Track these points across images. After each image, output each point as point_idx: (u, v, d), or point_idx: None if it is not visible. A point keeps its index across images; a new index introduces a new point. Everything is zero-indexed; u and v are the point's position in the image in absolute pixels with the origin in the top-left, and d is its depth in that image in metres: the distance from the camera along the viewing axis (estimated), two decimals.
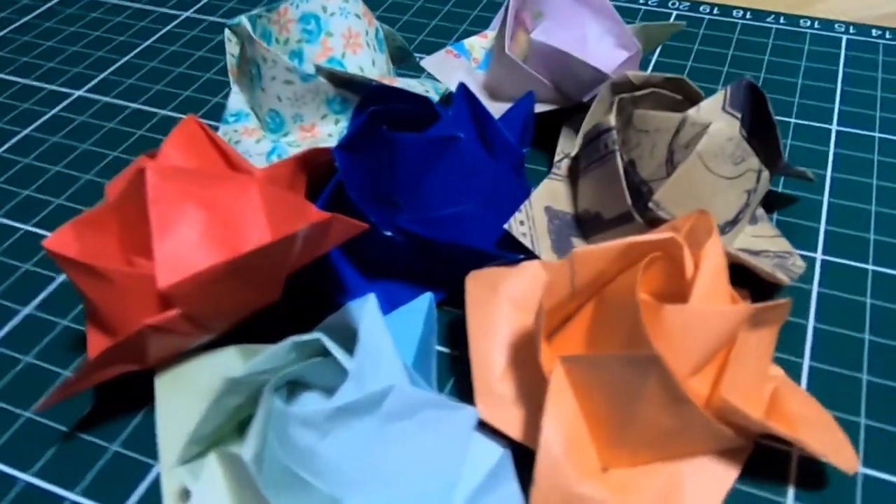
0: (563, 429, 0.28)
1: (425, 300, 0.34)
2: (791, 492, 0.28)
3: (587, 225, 0.36)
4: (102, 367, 0.30)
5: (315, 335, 0.29)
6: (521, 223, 0.35)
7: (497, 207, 0.35)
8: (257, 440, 0.26)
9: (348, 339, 0.30)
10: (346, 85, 0.39)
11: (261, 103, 0.40)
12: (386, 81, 0.38)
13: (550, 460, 0.27)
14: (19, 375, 0.33)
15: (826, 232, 0.38)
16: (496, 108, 0.42)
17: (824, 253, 0.37)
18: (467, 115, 0.35)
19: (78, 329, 0.35)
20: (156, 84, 0.49)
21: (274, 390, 0.28)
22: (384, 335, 0.29)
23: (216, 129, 0.43)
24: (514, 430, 0.30)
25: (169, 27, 0.55)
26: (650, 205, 0.33)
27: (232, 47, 0.43)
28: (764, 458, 0.29)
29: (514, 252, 0.34)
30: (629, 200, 0.33)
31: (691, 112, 0.33)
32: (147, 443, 0.31)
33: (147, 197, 0.29)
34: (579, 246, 0.36)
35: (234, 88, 0.41)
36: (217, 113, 0.46)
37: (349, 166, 0.35)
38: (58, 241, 0.30)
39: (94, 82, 0.50)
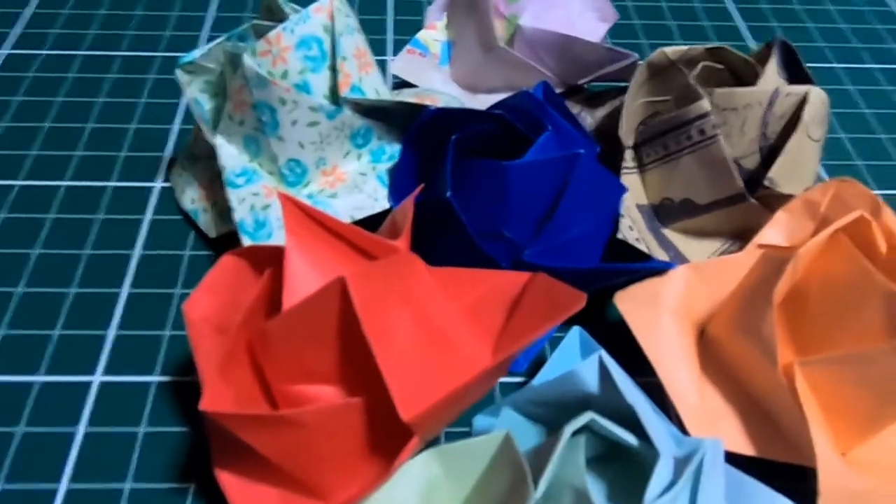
0: (825, 431, 0.27)
1: (575, 335, 0.30)
2: None
3: (671, 213, 0.34)
4: None
5: (586, 417, 0.24)
6: (630, 228, 0.32)
7: (603, 214, 0.32)
8: None
9: (575, 405, 0.26)
10: (369, 114, 0.33)
11: (276, 154, 0.32)
12: (416, 100, 0.33)
13: (832, 466, 0.26)
14: None
15: None
16: (480, 102, 0.38)
17: None
18: (558, 120, 0.31)
19: None
20: None
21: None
22: (635, 393, 0.25)
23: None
24: (737, 444, 0.28)
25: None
26: (766, 182, 0.32)
27: (194, 92, 0.34)
28: None
29: (634, 261, 0.31)
30: (741, 182, 0.32)
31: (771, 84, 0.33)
32: None
33: (356, 307, 0.22)
34: (673, 237, 0.34)
35: (220, 140, 0.32)
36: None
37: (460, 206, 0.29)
38: (212, 399, 0.22)
39: None
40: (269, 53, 0.32)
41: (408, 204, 0.28)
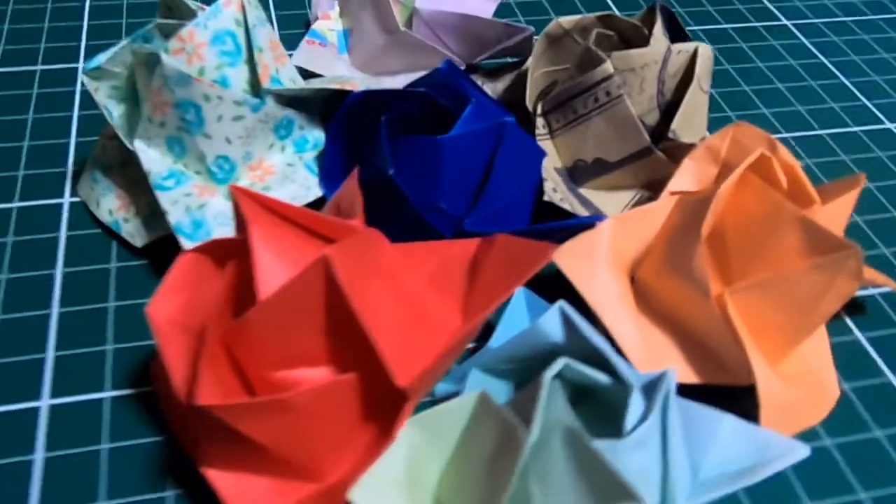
0: (756, 351, 0.30)
1: (521, 296, 0.32)
2: None
3: (585, 173, 0.36)
4: None
5: (560, 363, 0.25)
6: (554, 190, 0.34)
7: (528, 179, 0.33)
8: None
9: (541, 357, 0.28)
10: (290, 104, 0.33)
11: (203, 152, 0.31)
12: (338, 86, 0.33)
13: (768, 381, 0.29)
14: None
15: None
16: (383, 85, 0.39)
17: None
18: (476, 93, 0.32)
19: None
20: None
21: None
22: (597, 337, 0.27)
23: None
24: (680, 375, 0.31)
25: None
26: (670, 135, 0.34)
27: (103, 98, 0.33)
28: None
29: (564, 219, 0.33)
30: (647, 137, 0.34)
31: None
32: None
33: (341, 283, 0.22)
34: (588, 195, 0.36)
35: (140, 145, 0.31)
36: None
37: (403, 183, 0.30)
38: (206, 393, 0.22)
39: None
40: (184, 51, 0.31)
41: (352, 185, 0.28)
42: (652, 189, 0.36)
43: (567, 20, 0.37)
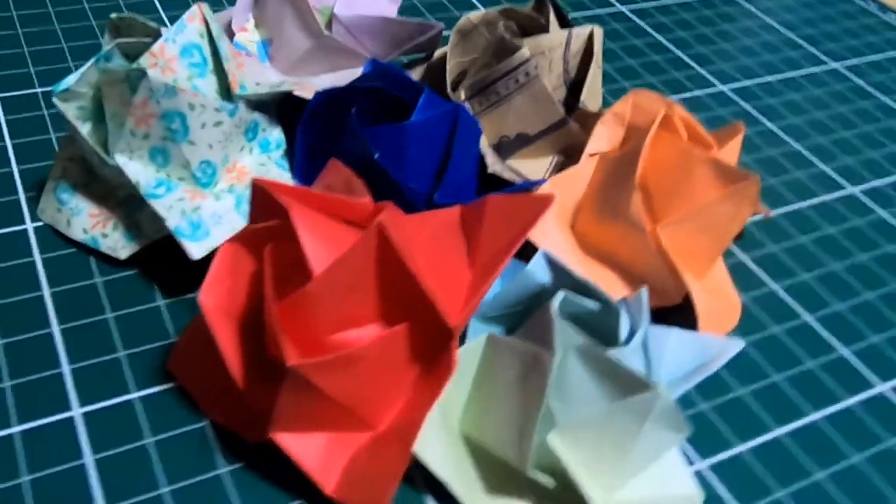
0: (689, 273, 0.36)
1: None
2: None
3: (509, 147, 0.41)
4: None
5: (560, 295, 0.30)
6: (494, 163, 0.38)
7: (473, 155, 0.37)
8: None
9: (532, 298, 0.32)
10: (255, 108, 0.35)
11: (188, 159, 0.32)
12: (298, 88, 0.35)
13: (701, 295, 0.35)
14: None
15: None
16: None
17: None
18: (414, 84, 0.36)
19: None
20: None
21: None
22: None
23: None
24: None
25: None
26: (580, 106, 0.40)
27: (73, 116, 0.33)
28: None
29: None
30: (562, 110, 0.39)
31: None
32: None
33: (396, 244, 0.25)
34: (516, 165, 0.41)
35: (122, 159, 0.32)
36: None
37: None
38: (292, 355, 0.24)
39: None
40: (157, 66, 0.33)
41: (341, 169, 0.31)
42: (564, 154, 0.41)
43: (475, 15, 0.42)
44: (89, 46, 0.47)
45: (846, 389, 0.36)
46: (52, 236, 0.36)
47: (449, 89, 0.41)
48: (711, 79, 0.54)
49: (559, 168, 0.41)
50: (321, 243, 0.27)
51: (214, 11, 0.48)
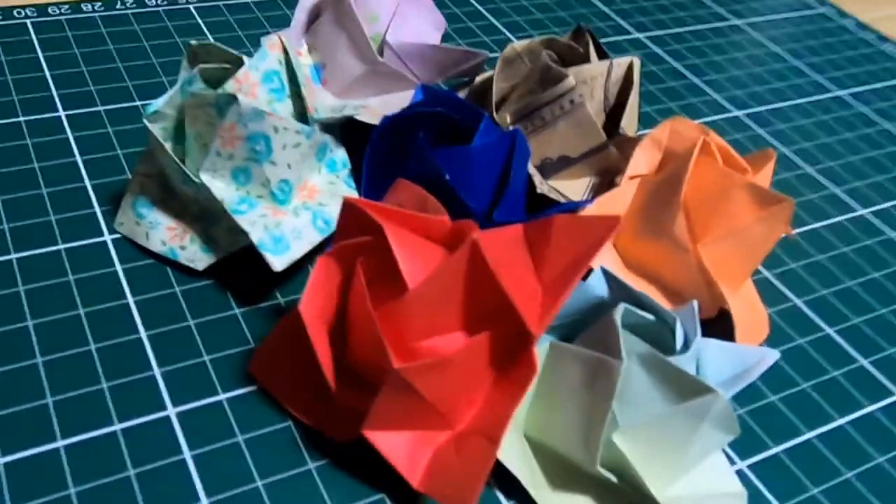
0: (727, 288, 0.38)
1: None
2: None
3: (552, 168, 0.43)
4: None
5: (622, 308, 0.32)
6: (542, 183, 0.41)
7: (524, 175, 0.40)
8: None
9: (589, 310, 0.34)
10: (328, 130, 0.37)
11: (268, 178, 0.34)
12: (363, 112, 0.38)
13: (738, 307, 0.38)
14: None
15: None
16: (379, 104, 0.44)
17: None
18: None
19: None
20: None
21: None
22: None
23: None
24: None
25: None
26: (620, 131, 0.42)
27: (159, 135, 0.35)
28: None
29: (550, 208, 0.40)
30: (604, 135, 0.42)
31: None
32: None
33: (489, 259, 0.28)
34: (556, 185, 0.43)
35: (206, 177, 0.34)
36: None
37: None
38: (397, 360, 0.26)
39: None
40: (241, 90, 0.35)
41: (412, 188, 0.33)
42: (601, 175, 0.44)
43: (519, 45, 0.44)
44: (145, 67, 0.49)
45: (867, 397, 0.39)
46: (130, 248, 0.38)
47: (493, 111, 0.43)
48: (726, 104, 0.57)
49: (596, 188, 0.44)
50: (412, 258, 0.29)
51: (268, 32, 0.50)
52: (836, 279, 0.45)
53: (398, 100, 0.45)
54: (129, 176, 0.41)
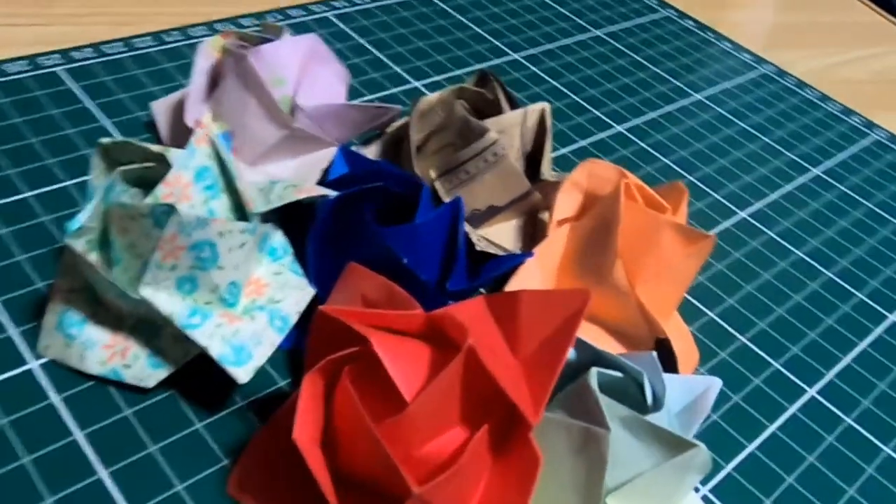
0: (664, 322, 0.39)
1: None
2: None
3: (480, 218, 0.42)
4: None
5: (594, 371, 0.32)
6: (479, 240, 0.40)
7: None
8: None
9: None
10: (266, 218, 0.34)
11: (216, 283, 0.31)
12: (301, 192, 0.35)
13: (679, 343, 0.39)
14: None
15: None
16: (266, 174, 0.42)
17: None
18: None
19: None
20: None
21: None
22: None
23: None
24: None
25: None
26: (542, 176, 0.42)
27: (84, 250, 0.31)
28: None
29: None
30: (527, 182, 0.41)
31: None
32: None
33: (488, 368, 0.26)
34: (486, 233, 0.43)
35: (147, 291, 0.30)
36: None
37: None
38: (414, 482, 0.25)
39: None
40: (172, 195, 0.31)
41: (376, 279, 0.31)
42: (525, 216, 0.44)
43: (432, 97, 0.43)
44: (24, 148, 0.44)
45: (786, 398, 0.41)
46: (63, 373, 0.33)
47: (417, 168, 0.42)
48: (608, 120, 0.58)
49: (523, 231, 0.44)
50: (403, 368, 0.28)
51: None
52: (737, 285, 0.47)
53: (315, 160, 0.43)
54: (40, 287, 0.36)
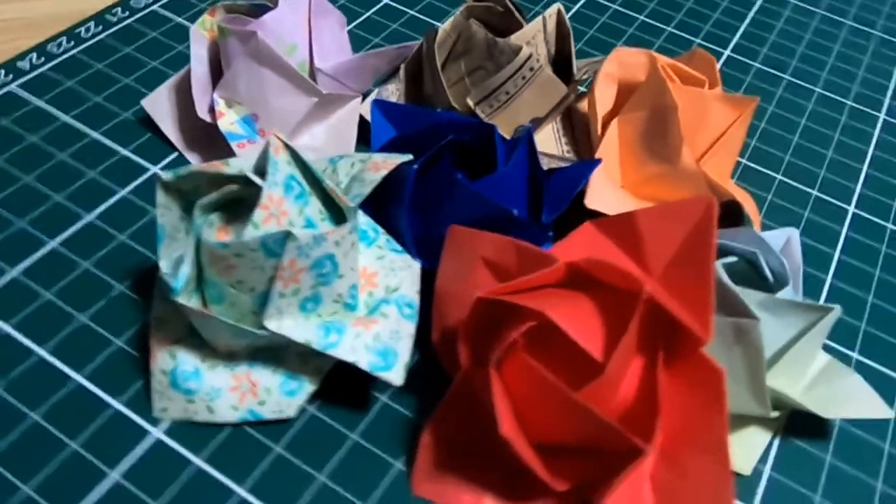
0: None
1: None
2: None
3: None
4: None
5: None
6: (541, 158, 0.36)
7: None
8: None
9: None
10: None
11: (340, 293, 0.27)
12: (384, 167, 0.30)
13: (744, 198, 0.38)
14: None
15: None
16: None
17: None
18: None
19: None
20: None
21: None
22: None
23: None
24: None
25: None
26: (575, 77, 0.38)
27: (195, 304, 0.27)
28: None
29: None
30: (565, 87, 0.38)
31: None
32: None
33: (672, 312, 0.25)
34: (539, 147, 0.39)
35: (273, 324, 0.26)
36: None
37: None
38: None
39: None
40: (272, 217, 0.27)
41: (502, 240, 0.28)
42: (561, 117, 0.41)
43: (445, 26, 0.38)
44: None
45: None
46: (191, 431, 0.29)
47: (454, 100, 0.38)
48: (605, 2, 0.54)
49: (562, 131, 0.41)
50: (579, 328, 0.26)
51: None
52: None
53: (343, 119, 0.38)
54: (120, 345, 0.31)
